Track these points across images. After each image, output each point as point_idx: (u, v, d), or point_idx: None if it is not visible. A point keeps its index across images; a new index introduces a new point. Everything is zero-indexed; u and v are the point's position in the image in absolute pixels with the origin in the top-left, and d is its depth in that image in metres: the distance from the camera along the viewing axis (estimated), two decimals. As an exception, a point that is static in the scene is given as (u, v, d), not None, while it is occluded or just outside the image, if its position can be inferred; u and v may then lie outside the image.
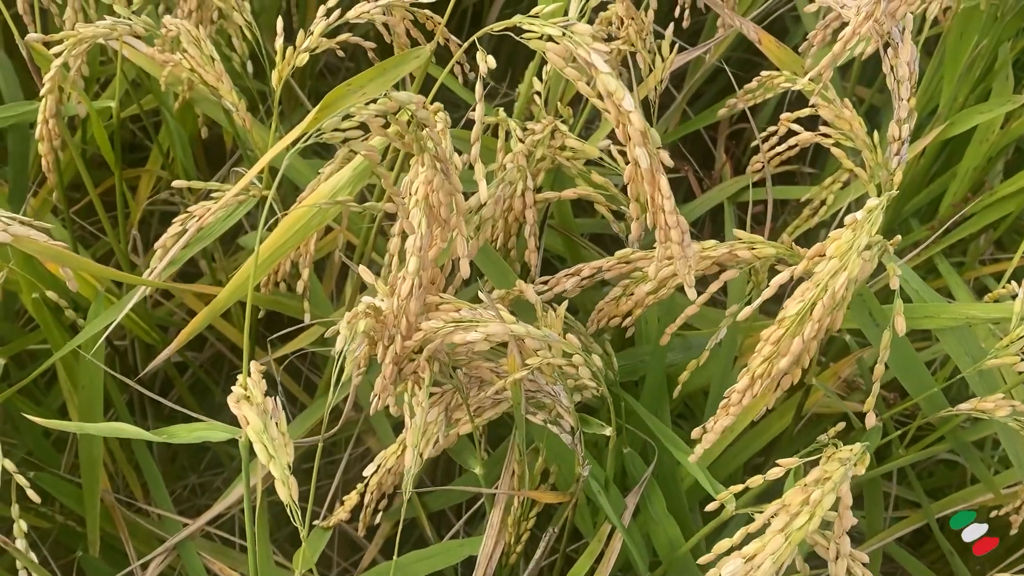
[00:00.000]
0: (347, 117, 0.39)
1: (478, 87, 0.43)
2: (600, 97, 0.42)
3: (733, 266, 0.52)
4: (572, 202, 0.73)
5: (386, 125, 0.41)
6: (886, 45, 0.57)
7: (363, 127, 0.41)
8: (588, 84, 0.42)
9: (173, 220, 0.58)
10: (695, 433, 0.51)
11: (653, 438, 0.63)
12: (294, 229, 0.49)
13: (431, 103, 0.46)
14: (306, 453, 0.86)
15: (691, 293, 0.47)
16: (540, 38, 0.42)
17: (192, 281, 0.84)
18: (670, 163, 0.42)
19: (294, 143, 0.43)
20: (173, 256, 0.56)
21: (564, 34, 0.41)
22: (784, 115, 0.63)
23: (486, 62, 0.42)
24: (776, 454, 0.78)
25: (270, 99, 0.87)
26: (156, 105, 0.78)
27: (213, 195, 0.59)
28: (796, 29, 1.10)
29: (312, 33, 0.52)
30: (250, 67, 0.72)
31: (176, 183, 0.59)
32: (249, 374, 0.41)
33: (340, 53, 0.59)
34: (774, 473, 0.46)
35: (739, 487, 0.48)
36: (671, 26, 0.67)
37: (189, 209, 0.58)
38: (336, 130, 0.39)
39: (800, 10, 0.93)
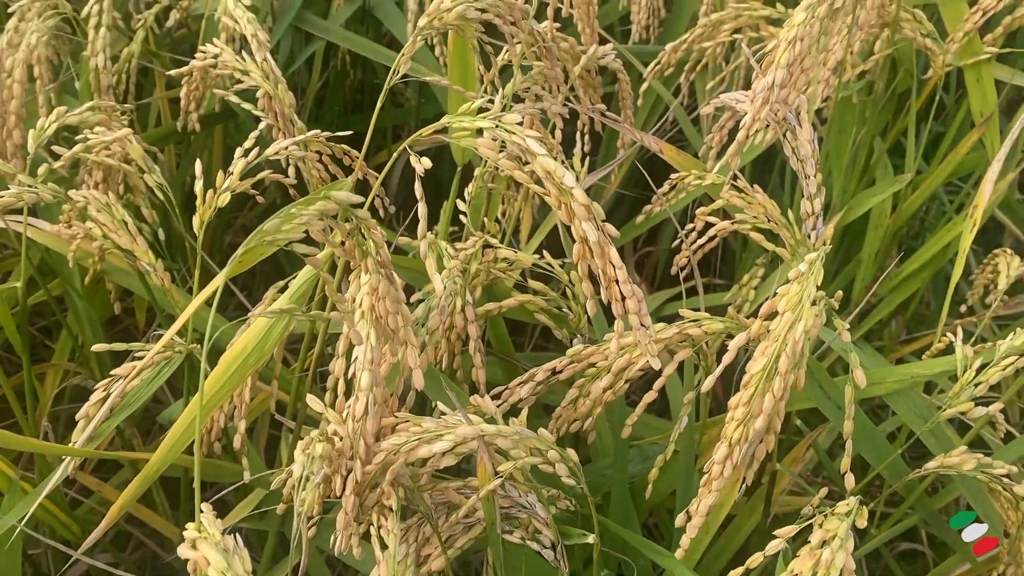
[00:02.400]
0: (288, 220, 0.38)
1: (417, 185, 0.42)
2: (538, 183, 0.42)
3: (685, 346, 0.51)
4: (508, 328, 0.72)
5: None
6: (784, 131, 0.61)
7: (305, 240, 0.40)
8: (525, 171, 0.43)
9: (94, 388, 0.54)
10: (679, 521, 0.48)
11: (628, 552, 0.60)
12: (236, 364, 0.47)
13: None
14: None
15: (655, 363, 0.46)
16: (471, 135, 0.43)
17: (111, 475, 0.78)
18: (616, 234, 0.42)
19: (215, 292, 0.41)
20: (97, 424, 0.52)
21: (496, 126, 0.41)
22: (700, 209, 0.65)
23: (420, 163, 0.42)
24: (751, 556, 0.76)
25: (185, 270, 0.86)
26: (61, 293, 0.75)
27: (137, 354, 0.56)
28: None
29: (232, 173, 0.51)
30: (162, 234, 0.70)
31: (96, 347, 0.56)
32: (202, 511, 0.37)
33: (259, 199, 0.59)
34: (774, 546, 0.43)
35: (739, 571, 0.45)
36: (577, 144, 0.70)
37: (112, 372, 0.54)
38: (279, 235, 0.37)
39: (687, 135, 0.99)
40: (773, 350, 0.43)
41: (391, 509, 0.44)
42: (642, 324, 0.45)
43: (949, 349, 0.63)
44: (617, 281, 0.44)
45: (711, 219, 0.65)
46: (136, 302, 0.82)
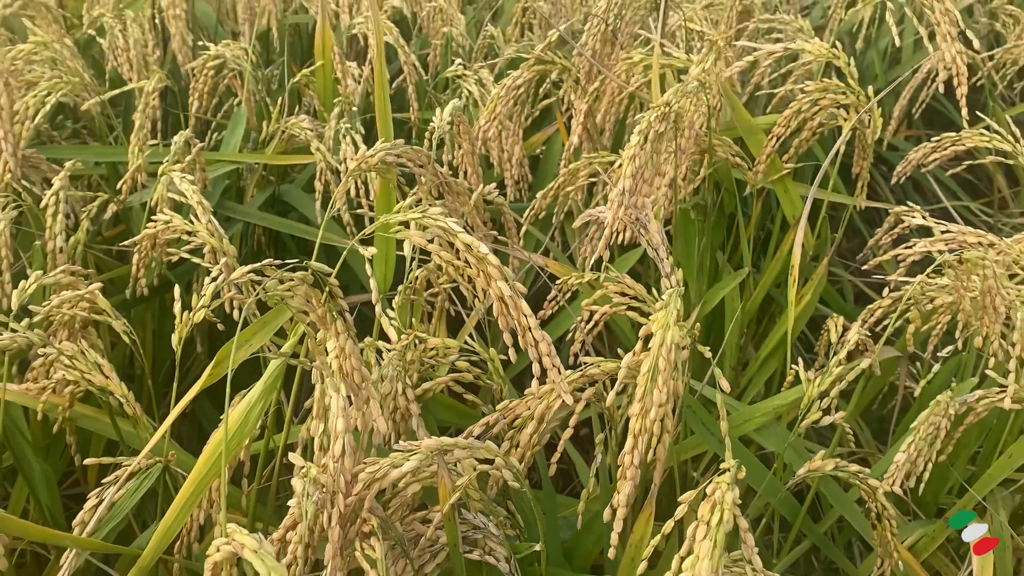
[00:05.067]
0: (282, 281, 0.50)
1: (367, 266, 0.55)
2: (459, 256, 0.56)
3: (590, 384, 0.64)
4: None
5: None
6: (638, 228, 0.77)
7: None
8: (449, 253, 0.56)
9: (88, 496, 0.61)
10: (606, 515, 0.59)
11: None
12: (232, 430, 0.56)
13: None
14: None
15: (568, 399, 0.58)
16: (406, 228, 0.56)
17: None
18: (524, 289, 0.56)
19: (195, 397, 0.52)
20: (96, 525, 0.59)
21: (423, 216, 0.55)
22: (584, 301, 0.80)
23: (366, 251, 0.55)
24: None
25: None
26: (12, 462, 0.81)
27: (123, 466, 0.63)
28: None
29: (204, 295, 0.62)
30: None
31: (88, 460, 0.63)
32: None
33: (220, 327, 0.69)
34: (680, 511, 0.55)
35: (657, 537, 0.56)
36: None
37: (103, 481, 0.61)
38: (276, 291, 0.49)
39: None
40: (654, 355, 0.56)
41: (373, 533, 0.53)
42: (552, 364, 0.58)
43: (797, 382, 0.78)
44: (530, 329, 0.57)
45: (594, 307, 0.79)
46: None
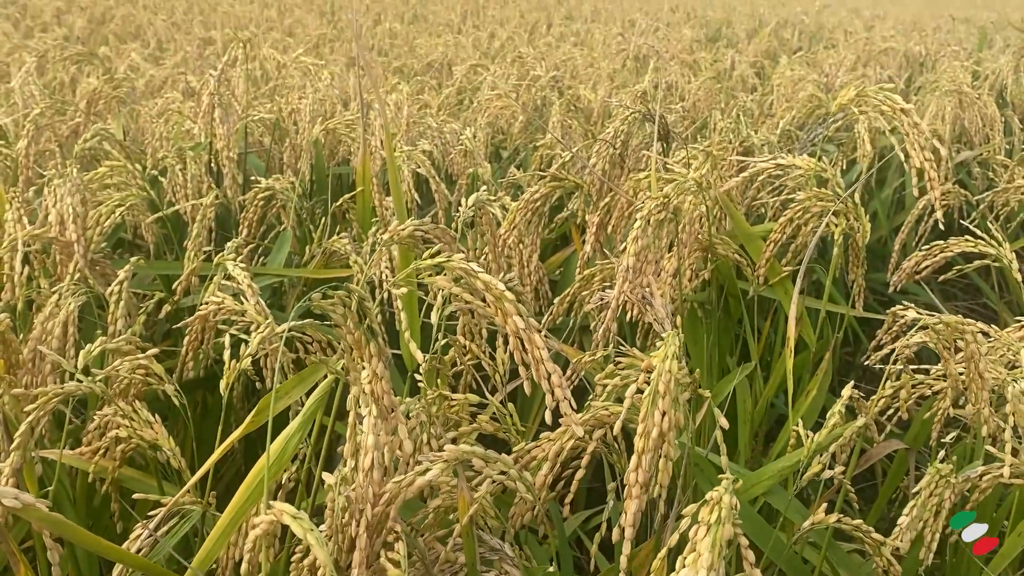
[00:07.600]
0: (324, 297, 0.57)
1: (396, 302, 0.62)
2: (481, 299, 0.63)
3: (602, 426, 0.69)
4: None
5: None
6: (644, 304, 0.84)
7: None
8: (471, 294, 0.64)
9: (136, 527, 0.66)
10: (615, 535, 0.62)
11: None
12: (273, 457, 0.61)
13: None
14: None
15: (578, 430, 0.63)
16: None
17: None
18: (538, 326, 0.63)
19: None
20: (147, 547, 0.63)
21: (447, 260, 0.63)
22: (597, 376, 0.86)
23: (398, 291, 0.63)
24: None
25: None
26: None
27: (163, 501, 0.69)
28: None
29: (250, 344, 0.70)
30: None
31: (136, 495, 0.68)
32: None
33: (259, 385, 0.76)
34: (687, 513, 0.59)
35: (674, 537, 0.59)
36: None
37: (150, 514, 0.67)
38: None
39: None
40: (654, 382, 0.62)
41: (399, 539, 0.58)
42: (564, 396, 0.64)
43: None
44: (542, 361, 0.63)
45: (607, 381, 0.85)
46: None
